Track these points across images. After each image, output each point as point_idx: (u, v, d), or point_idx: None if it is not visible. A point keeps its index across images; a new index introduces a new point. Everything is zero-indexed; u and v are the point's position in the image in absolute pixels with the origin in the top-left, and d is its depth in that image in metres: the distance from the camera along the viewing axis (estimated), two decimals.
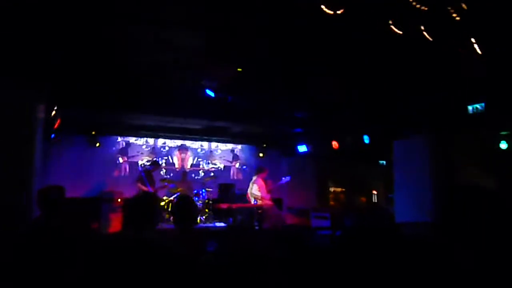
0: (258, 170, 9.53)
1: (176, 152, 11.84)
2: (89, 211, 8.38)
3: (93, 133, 10.39)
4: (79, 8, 4.99)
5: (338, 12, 4.53)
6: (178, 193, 10.16)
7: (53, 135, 8.02)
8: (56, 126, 7.39)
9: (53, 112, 6.73)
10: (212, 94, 7.98)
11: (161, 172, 11.30)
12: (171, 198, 9.84)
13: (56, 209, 3.13)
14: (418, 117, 7.22)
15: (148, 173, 9.22)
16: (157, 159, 10.94)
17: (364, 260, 2.43)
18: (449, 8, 4.75)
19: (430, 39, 5.06)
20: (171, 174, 11.44)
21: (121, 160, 11.11)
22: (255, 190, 9.15)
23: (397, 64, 6.48)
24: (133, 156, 11.30)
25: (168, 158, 11.71)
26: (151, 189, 8.82)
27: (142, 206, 2.88)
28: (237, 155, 12.49)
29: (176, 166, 11.75)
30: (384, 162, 13.78)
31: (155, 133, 11.28)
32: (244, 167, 11.98)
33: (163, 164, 11.48)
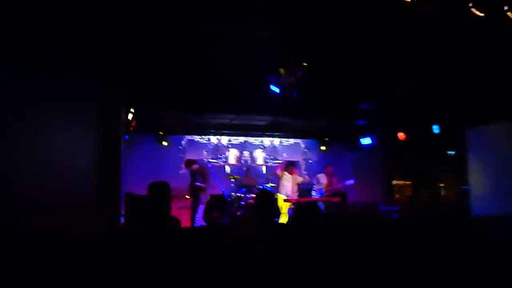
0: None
1: (240, 149, 12.04)
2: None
3: (161, 133, 10.80)
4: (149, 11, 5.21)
5: None
6: (244, 189, 10.34)
7: (127, 136, 8.41)
8: (132, 128, 7.75)
9: (130, 115, 7.06)
10: (277, 90, 8.01)
11: (228, 169, 11.60)
12: (240, 194, 10.04)
13: (166, 201, 3.35)
14: (498, 102, 6.85)
15: (192, 172, 9.22)
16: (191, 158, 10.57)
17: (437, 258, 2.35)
18: None
19: None
20: (236, 171, 11.63)
21: (187, 157, 11.46)
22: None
23: (471, 46, 6.16)
24: (198, 155, 11.62)
25: (231, 155, 11.94)
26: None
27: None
28: (301, 150, 12.48)
29: (240, 163, 11.95)
30: (453, 152, 13.18)
31: (219, 131, 11.53)
32: (310, 161, 11.95)
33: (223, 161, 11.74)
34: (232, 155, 11.96)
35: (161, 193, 3.37)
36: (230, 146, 11.99)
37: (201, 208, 8.75)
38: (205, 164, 10.69)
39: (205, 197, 8.91)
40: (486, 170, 7.37)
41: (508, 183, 6.70)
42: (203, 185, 8.89)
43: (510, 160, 6.74)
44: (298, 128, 11.54)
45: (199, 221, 8.62)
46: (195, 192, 8.89)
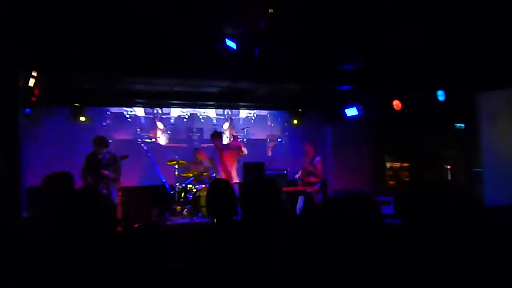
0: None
1: (185, 125, 12.00)
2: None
3: (77, 104, 10.55)
4: None
5: None
6: (192, 178, 10.30)
7: (28, 110, 8.14)
8: (34, 97, 7.53)
9: (32, 80, 6.84)
10: (233, 45, 7.95)
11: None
12: (187, 185, 9.99)
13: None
14: None
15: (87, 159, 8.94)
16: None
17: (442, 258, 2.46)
18: None
19: None
20: (179, 154, 11.58)
21: (113, 137, 11.28)
22: None
23: None
24: (127, 133, 11.48)
25: (175, 133, 11.91)
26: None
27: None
28: (267, 125, 12.57)
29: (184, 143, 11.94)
30: (463, 125, 13.60)
31: (157, 101, 11.42)
32: (279, 139, 12.00)
33: (165, 142, 11.70)
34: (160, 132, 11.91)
35: (58, 187, 3.37)
36: (172, 120, 11.93)
37: None
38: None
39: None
40: (504, 147, 7.64)
41: None
42: (112, 175, 8.79)
43: None
44: (263, 96, 11.55)
45: None
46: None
